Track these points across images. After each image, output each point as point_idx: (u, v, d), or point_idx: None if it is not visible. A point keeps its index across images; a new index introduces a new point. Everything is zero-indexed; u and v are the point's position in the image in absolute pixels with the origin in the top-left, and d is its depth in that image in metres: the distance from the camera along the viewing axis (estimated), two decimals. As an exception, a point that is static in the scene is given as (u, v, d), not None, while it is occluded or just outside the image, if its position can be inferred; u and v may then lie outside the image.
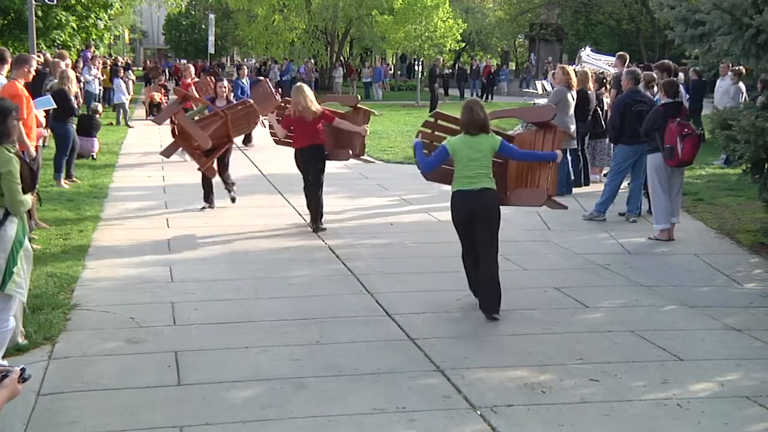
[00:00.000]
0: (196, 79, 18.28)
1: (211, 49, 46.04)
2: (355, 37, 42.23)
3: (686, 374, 5.36)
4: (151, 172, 13.75)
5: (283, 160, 13.77)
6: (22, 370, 2.85)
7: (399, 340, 5.95)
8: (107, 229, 9.40)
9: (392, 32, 31.93)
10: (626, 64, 13.69)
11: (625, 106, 10.00)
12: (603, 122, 12.29)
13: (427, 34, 31.33)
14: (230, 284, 7.31)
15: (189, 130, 10.03)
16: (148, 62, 49.13)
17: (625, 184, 10.43)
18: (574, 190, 12.10)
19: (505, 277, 7.67)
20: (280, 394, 4.93)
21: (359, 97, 11.14)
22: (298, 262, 8.14)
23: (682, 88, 10.56)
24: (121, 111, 21.83)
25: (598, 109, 12.47)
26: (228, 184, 10.68)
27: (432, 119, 7.74)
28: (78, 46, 27.21)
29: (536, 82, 27.76)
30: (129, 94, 23.30)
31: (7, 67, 9.11)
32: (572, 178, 12.34)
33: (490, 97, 35.80)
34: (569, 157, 12.21)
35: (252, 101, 11.04)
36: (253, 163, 14.83)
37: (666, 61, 12.41)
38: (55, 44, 24.79)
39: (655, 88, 10.53)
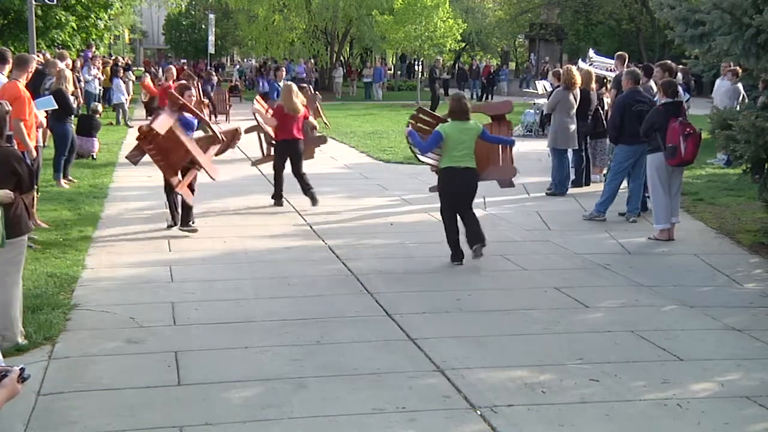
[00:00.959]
0: (179, 82, 18.01)
1: (212, 49, 46.01)
2: (355, 37, 42.23)
3: (686, 374, 5.36)
4: (151, 172, 13.72)
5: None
6: (22, 370, 2.84)
7: (399, 340, 5.95)
8: (107, 230, 9.40)
9: (392, 32, 31.90)
10: (626, 64, 13.69)
11: (625, 106, 9.99)
12: (604, 122, 12.29)
13: (427, 34, 31.29)
14: (230, 284, 7.31)
15: (191, 149, 9.15)
16: (149, 63, 49.10)
17: (624, 184, 10.42)
18: (575, 190, 12.13)
19: (505, 277, 7.70)
20: (280, 394, 4.93)
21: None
22: (298, 262, 8.14)
23: (680, 88, 10.55)
24: (121, 111, 21.82)
25: (599, 108, 12.48)
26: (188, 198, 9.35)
27: (416, 113, 9.49)
28: (78, 46, 27.21)
29: (536, 82, 27.75)
30: (129, 94, 23.29)
31: (8, 67, 9.11)
32: (573, 177, 12.38)
33: (490, 97, 35.79)
34: (570, 157, 12.23)
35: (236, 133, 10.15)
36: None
37: (667, 61, 12.41)
38: (55, 44, 24.79)
39: (654, 87, 10.53)
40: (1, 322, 5.49)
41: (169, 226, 9.23)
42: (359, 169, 14.46)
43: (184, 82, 9.99)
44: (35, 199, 8.05)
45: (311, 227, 9.70)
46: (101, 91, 22.84)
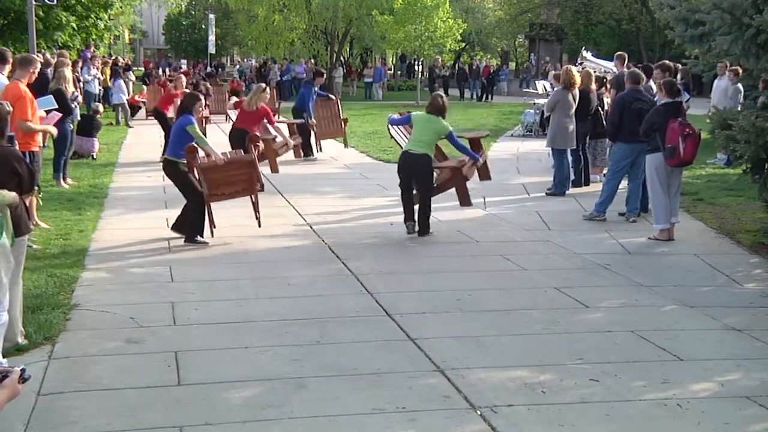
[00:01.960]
0: (190, 92, 17.24)
1: (212, 49, 46.06)
2: (355, 37, 42.21)
3: (686, 374, 5.36)
4: (151, 172, 13.74)
5: (282, 159, 13.79)
6: (22, 370, 2.85)
7: (399, 340, 5.95)
8: (107, 229, 9.40)
9: (392, 32, 31.90)
10: (625, 64, 13.71)
11: (625, 104, 10.01)
12: (604, 122, 12.30)
13: (427, 34, 31.29)
14: (230, 284, 7.31)
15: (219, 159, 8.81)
16: (150, 64, 49.12)
17: (624, 183, 10.42)
18: (574, 190, 12.13)
19: (505, 277, 7.70)
20: (280, 394, 4.93)
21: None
22: (298, 262, 8.14)
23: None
24: (121, 111, 21.82)
25: (599, 108, 12.48)
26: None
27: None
28: (78, 47, 27.21)
29: (536, 82, 27.75)
30: (129, 94, 23.29)
31: (8, 67, 9.10)
32: (572, 177, 12.38)
33: (490, 97, 35.78)
34: (570, 157, 12.24)
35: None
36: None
37: (666, 61, 12.41)
38: (56, 44, 24.79)
39: (654, 87, 10.54)
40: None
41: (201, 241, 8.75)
42: (359, 169, 14.45)
43: (194, 92, 9.87)
44: (37, 199, 8.04)
45: (311, 227, 9.70)
46: (101, 91, 22.84)
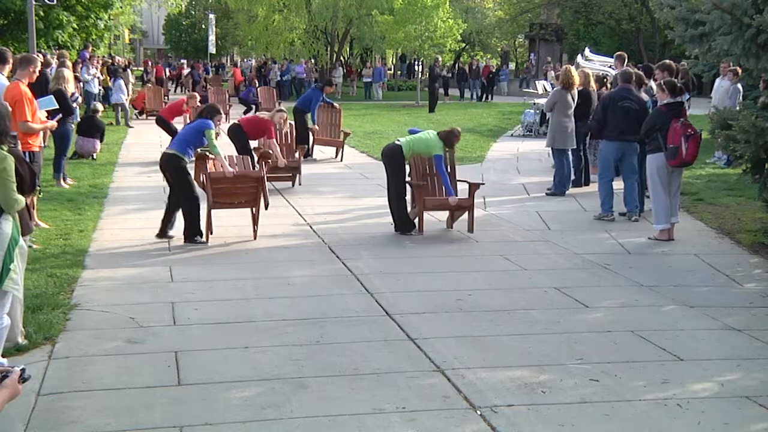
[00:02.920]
0: (206, 105, 16.25)
1: (212, 49, 46.05)
2: (355, 37, 42.22)
3: (686, 374, 5.36)
4: (151, 172, 13.74)
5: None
6: (23, 370, 2.85)
7: (399, 340, 5.95)
8: (107, 229, 9.40)
9: (392, 32, 31.92)
10: (625, 64, 13.70)
11: (611, 100, 10.05)
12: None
13: (427, 34, 31.31)
14: (230, 284, 7.31)
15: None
16: (149, 63, 49.08)
17: (621, 185, 10.41)
18: (574, 190, 12.13)
19: (505, 277, 7.70)
20: (280, 394, 4.93)
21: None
22: (298, 262, 8.14)
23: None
24: (120, 110, 21.81)
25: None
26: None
27: None
28: (78, 47, 27.23)
29: (537, 82, 27.76)
30: (128, 94, 23.28)
31: (8, 67, 9.10)
32: (573, 177, 12.37)
33: (490, 97, 35.78)
34: (570, 157, 12.24)
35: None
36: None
37: (666, 60, 12.41)
38: (56, 44, 24.80)
39: (655, 87, 10.54)
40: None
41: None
42: (359, 169, 14.45)
43: (215, 104, 9.61)
44: (36, 199, 8.05)
45: (311, 227, 9.70)
46: (101, 91, 22.84)
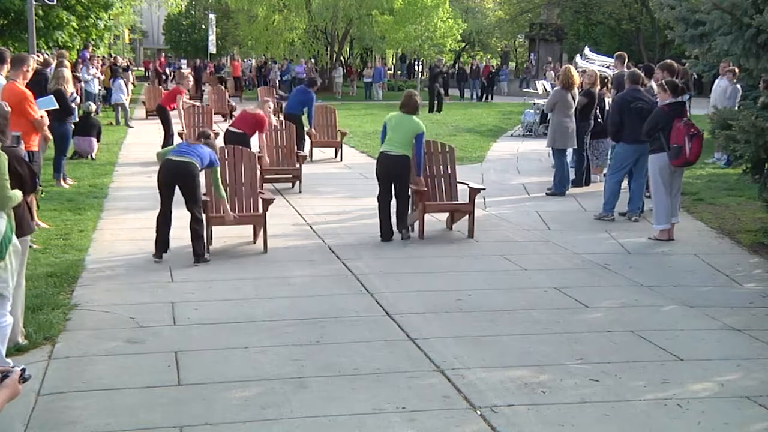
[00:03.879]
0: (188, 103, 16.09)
1: (213, 49, 46.02)
2: (355, 37, 42.23)
3: (686, 374, 5.37)
4: (151, 172, 13.73)
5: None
6: (23, 370, 2.85)
7: (399, 340, 5.95)
8: (107, 229, 9.40)
9: (392, 32, 31.97)
10: (625, 64, 13.71)
11: (624, 103, 10.02)
12: (601, 121, 12.31)
13: (427, 34, 31.36)
14: (230, 284, 7.31)
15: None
16: (150, 64, 49.11)
17: (625, 183, 10.42)
18: (574, 190, 12.13)
19: (505, 277, 7.71)
20: (280, 394, 4.93)
21: None
22: (298, 262, 8.14)
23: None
24: (120, 110, 21.79)
25: (598, 108, 12.48)
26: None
27: None
28: (78, 47, 27.23)
29: (537, 82, 27.76)
30: (129, 94, 23.27)
31: (6, 67, 9.10)
32: (572, 177, 12.38)
33: (490, 97, 35.78)
34: (571, 157, 12.24)
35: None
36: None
37: (667, 60, 12.42)
38: (56, 44, 24.80)
39: (655, 87, 10.54)
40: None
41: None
42: (359, 169, 14.45)
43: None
44: (37, 200, 8.04)
45: (311, 227, 9.70)
46: (101, 91, 22.82)
